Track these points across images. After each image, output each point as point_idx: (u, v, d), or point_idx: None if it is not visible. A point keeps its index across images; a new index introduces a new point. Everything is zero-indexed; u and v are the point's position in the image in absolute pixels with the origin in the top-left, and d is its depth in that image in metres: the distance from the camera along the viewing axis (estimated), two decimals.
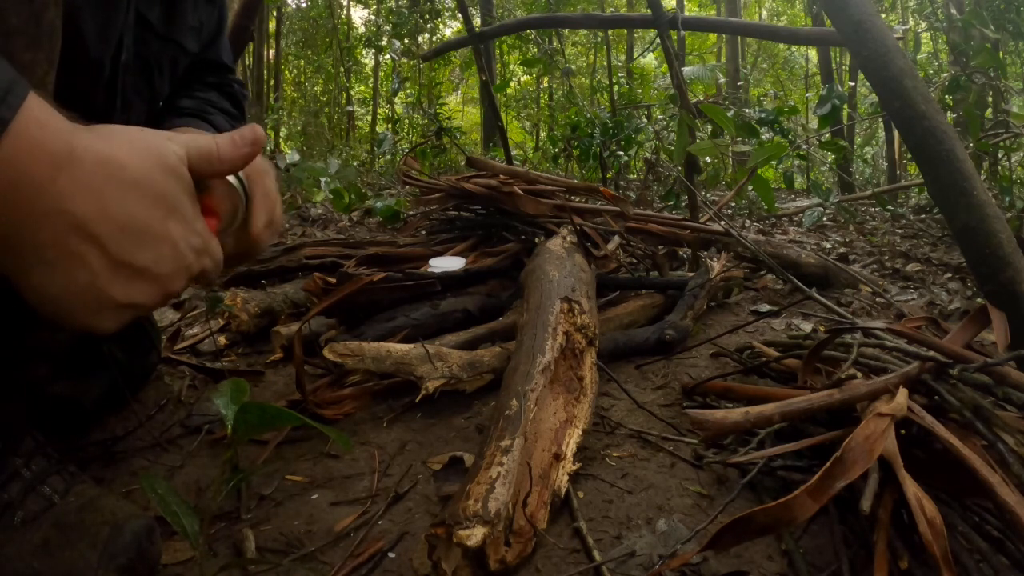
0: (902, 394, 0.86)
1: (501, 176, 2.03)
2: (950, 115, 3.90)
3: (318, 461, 1.04)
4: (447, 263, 1.76)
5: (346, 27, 11.98)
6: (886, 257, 2.71)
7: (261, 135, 0.63)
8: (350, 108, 11.54)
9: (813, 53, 9.67)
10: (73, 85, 0.76)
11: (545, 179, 2.06)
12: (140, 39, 0.86)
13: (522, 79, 12.63)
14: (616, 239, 1.87)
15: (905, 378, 0.92)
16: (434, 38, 10.01)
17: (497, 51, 10.33)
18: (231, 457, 0.65)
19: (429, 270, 1.70)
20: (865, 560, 0.79)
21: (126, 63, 0.84)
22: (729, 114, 3.02)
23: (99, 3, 0.77)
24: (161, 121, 0.92)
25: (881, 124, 6.27)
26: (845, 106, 3.97)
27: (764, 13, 14.65)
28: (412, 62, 9.60)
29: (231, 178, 0.65)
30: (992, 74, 3.41)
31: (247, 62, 8.80)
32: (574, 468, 0.94)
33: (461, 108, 15.32)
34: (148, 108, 0.94)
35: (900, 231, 3.46)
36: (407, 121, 8.52)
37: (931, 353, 0.97)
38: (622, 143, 4.45)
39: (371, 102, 11.83)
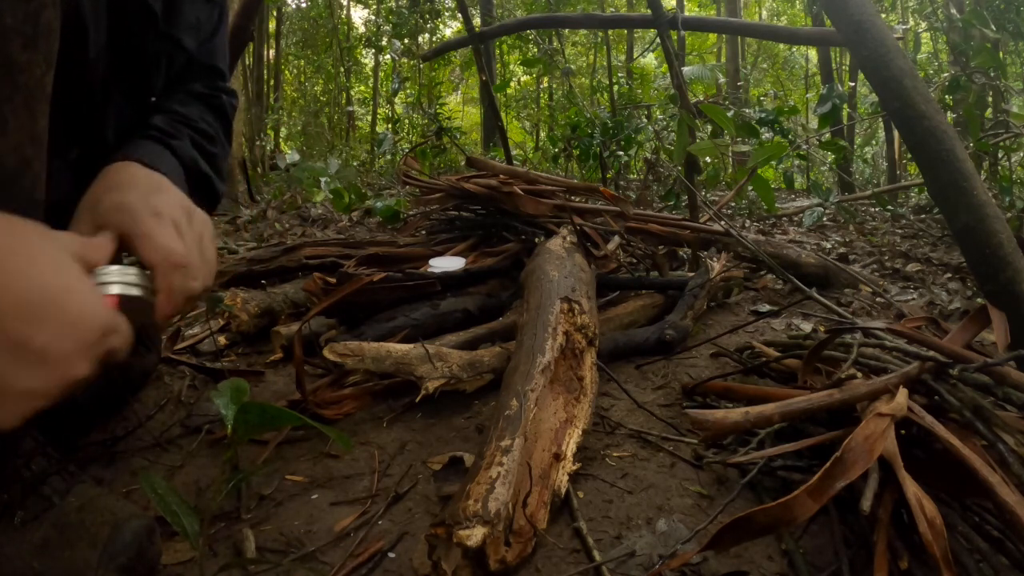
0: (902, 394, 0.86)
1: (501, 176, 2.03)
2: (950, 115, 3.91)
3: (318, 461, 1.04)
4: (447, 263, 1.76)
5: (346, 27, 11.97)
6: (886, 257, 2.71)
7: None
8: (350, 108, 11.54)
9: (813, 53, 9.67)
10: (74, 83, 0.76)
11: (545, 179, 2.06)
12: (140, 33, 0.86)
13: (522, 79, 12.62)
14: (616, 239, 1.87)
15: (905, 378, 0.92)
16: (434, 38, 10.01)
17: (497, 51, 10.33)
18: (231, 457, 0.65)
19: (429, 270, 1.70)
20: (865, 560, 0.79)
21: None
22: (729, 114, 3.02)
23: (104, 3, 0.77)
24: (127, 137, 0.88)
25: (881, 124, 6.27)
26: (845, 106, 3.97)
27: (764, 13, 14.65)
28: (412, 62, 9.60)
29: (133, 285, 0.61)
30: (992, 74, 3.41)
31: (247, 62, 8.80)
32: (574, 468, 0.94)
33: (461, 108, 15.31)
34: (142, 102, 0.94)
35: (900, 231, 3.46)
36: (407, 121, 8.52)
37: (931, 353, 0.97)
38: (622, 143, 4.45)
39: (371, 102, 11.83)
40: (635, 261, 2.10)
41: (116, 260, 0.62)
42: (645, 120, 5.06)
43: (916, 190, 4.70)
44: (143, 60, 0.89)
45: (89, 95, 0.82)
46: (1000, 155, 3.78)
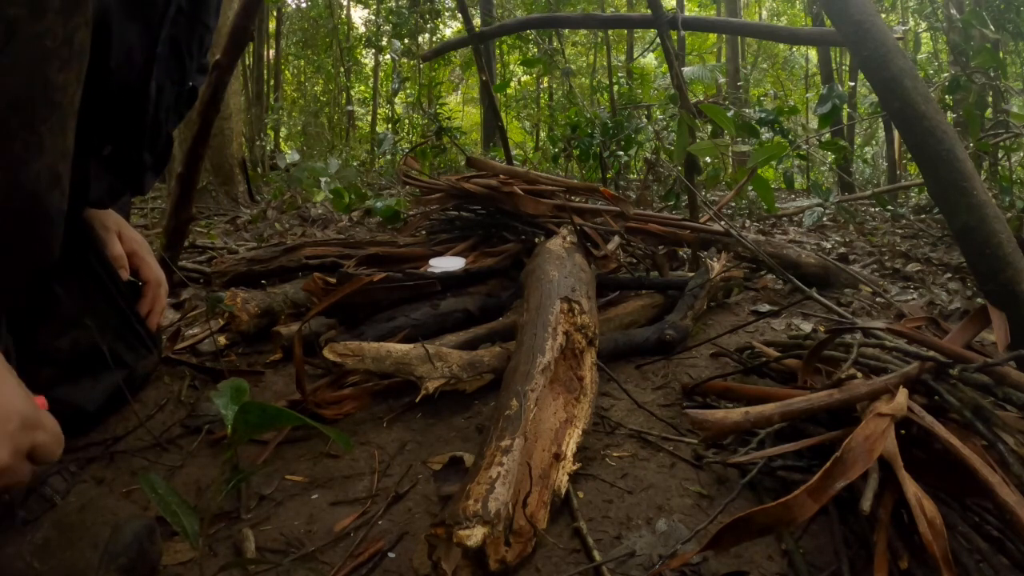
0: (902, 394, 0.86)
1: (501, 176, 2.03)
2: (950, 115, 3.91)
3: (318, 461, 1.04)
4: (447, 263, 1.76)
5: (346, 27, 11.97)
6: (886, 257, 2.71)
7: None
8: (350, 108, 11.53)
9: (813, 53, 9.66)
10: (104, 85, 0.78)
11: (545, 179, 2.06)
12: (173, 22, 0.88)
13: (522, 79, 12.61)
14: (616, 239, 1.87)
15: (905, 378, 0.92)
16: (434, 38, 10.00)
17: (497, 51, 10.32)
18: (231, 457, 0.65)
19: (429, 270, 1.70)
20: (865, 560, 0.79)
21: (161, 52, 0.87)
22: (729, 114, 3.02)
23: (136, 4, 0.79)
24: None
25: (881, 124, 6.27)
26: (845, 106, 3.97)
27: (764, 13, 14.63)
28: (412, 62, 9.59)
29: None
30: (992, 74, 3.41)
31: (247, 62, 8.80)
32: (574, 468, 0.94)
33: (461, 108, 15.29)
34: (178, 90, 0.97)
35: (900, 231, 3.45)
36: (407, 121, 8.51)
37: (931, 353, 0.97)
38: (622, 143, 4.45)
39: (371, 102, 11.82)
40: (635, 261, 2.10)
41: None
42: (645, 120, 5.06)
43: (916, 190, 4.70)
44: (179, 49, 0.92)
45: (123, 91, 0.84)
46: (1000, 155, 3.78)
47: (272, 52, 10.27)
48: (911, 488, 0.73)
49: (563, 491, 0.89)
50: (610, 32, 7.73)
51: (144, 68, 0.86)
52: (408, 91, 9.69)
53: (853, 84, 6.45)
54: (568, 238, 1.64)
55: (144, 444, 1.08)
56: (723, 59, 10.25)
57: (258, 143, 7.96)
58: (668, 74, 5.07)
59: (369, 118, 12.04)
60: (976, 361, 0.93)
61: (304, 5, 11.39)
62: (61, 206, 0.70)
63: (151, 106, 0.91)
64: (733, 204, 4.07)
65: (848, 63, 8.65)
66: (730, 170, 6.45)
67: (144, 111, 0.90)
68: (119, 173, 0.97)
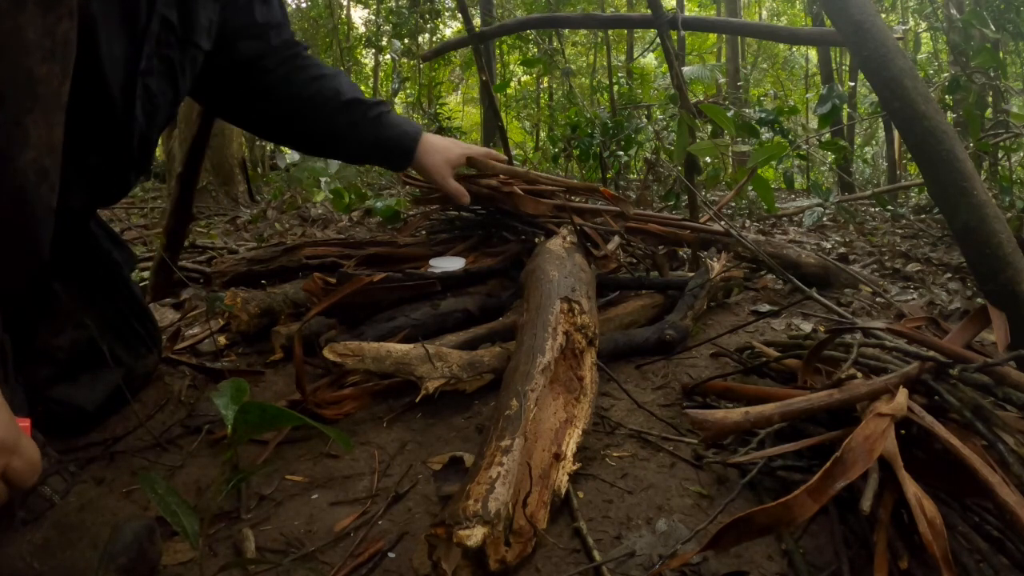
0: (902, 394, 0.86)
1: (501, 176, 2.03)
2: (950, 115, 3.91)
3: (318, 461, 1.04)
4: (447, 263, 1.76)
5: (346, 27, 11.96)
6: (886, 257, 2.71)
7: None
8: None
9: (813, 53, 9.66)
10: (89, 92, 0.78)
11: (545, 179, 2.05)
12: (165, 42, 0.88)
13: (522, 79, 12.60)
14: (616, 239, 1.87)
15: (905, 378, 0.92)
16: (434, 38, 9.99)
17: (497, 51, 10.32)
18: (231, 457, 0.65)
19: (429, 270, 1.70)
20: (865, 560, 0.79)
21: (146, 68, 0.86)
22: (729, 114, 3.02)
23: (117, 15, 0.79)
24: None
25: (881, 124, 6.27)
26: (845, 106, 3.97)
27: (764, 13, 14.63)
28: (412, 62, 9.59)
29: None
30: (992, 74, 3.41)
31: None
32: (574, 468, 0.94)
33: (461, 108, 15.29)
34: (171, 111, 0.97)
35: (900, 231, 3.45)
36: None
37: (931, 353, 0.97)
38: (622, 143, 4.45)
39: None
40: (635, 261, 2.10)
41: None
42: (645, 120, 5.06)
43: (916, 190, 4.70)
44: (172, 68, 0.92)
45: (108, 105, 0.84)
46: (1000, 155, 3.78)
47: None
48: (911, 488, 0.73)
49: (563, 491, 0.89)
50: (610, 32, 7.73)
51: (127, 82, 0.85)
52: (408, 91, 9.69)
53: (853, 84, 6.45)
54: (568, 238, 1.64)
55: (144, 444, 1.08)
56: (723, 59, 10.24)
57: (258, 143, 7.94)
58: (668, 74, 5.07)
59: None
60: (976, 361, 0.93)
61: (304, 5, 11.38)
62: (50, 202, 0.70)
63: (137, 124, 0.90)
64: (733, 204, 4.07)
65: (848, 63, 8.64)
66: (730, 170, 6.44)
67: (130, 128, 0.89)
68: (102, 188, 0.96)
